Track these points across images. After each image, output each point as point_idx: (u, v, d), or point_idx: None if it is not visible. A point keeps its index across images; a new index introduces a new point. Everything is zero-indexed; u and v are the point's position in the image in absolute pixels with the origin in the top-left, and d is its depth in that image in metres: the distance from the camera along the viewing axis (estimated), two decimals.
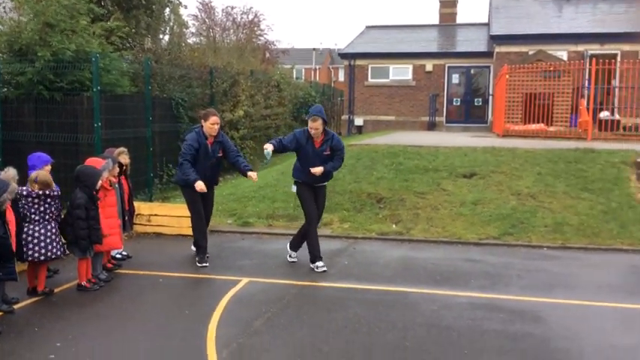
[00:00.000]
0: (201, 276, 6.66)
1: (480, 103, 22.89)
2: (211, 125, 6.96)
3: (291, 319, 5.28)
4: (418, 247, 8.02)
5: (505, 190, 9.65)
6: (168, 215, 8.55)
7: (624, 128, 14.31)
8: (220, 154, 7.17)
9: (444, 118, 23.00)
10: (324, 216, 9.16)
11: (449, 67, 23.05)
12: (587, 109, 14.27)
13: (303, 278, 6.53)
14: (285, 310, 5.49)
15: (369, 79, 23.69)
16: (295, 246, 7.21)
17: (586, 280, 6.41)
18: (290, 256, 7.24)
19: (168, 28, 15.62)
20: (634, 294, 5.94)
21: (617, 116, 15.29)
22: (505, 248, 7.85)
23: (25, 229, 5.68)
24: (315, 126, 6.62)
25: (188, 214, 7.60)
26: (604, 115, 14.69)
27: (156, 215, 8.60)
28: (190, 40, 23.60)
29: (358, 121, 23.74)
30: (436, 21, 28.66)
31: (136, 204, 7.86)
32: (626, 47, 18.70)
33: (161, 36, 15.44)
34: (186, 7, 21.74)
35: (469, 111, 23.08)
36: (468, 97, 23.09)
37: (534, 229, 8.32)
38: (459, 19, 28.62)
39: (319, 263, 6.81)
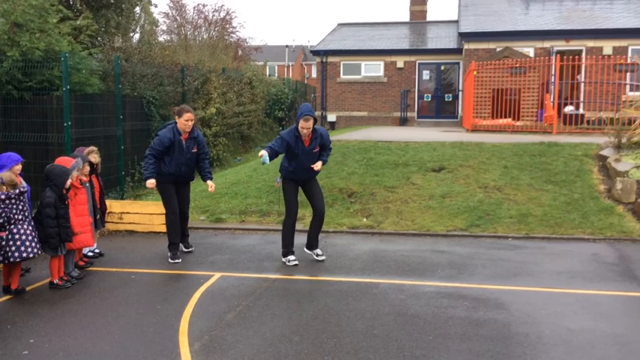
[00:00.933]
0: (173, 272, 6.73)
1: (451, 99, 23.26)
2: (185, 121, 7.04)
3: (262, 311, 5.39)
4: (388, 240, 8.20)
5: (472, 183, 9.90)
6: (140, 213, 8.59)
7: (588, 122, 14.73)
8: (195, 150, 7.25)
9: (415, 114, 23.31)
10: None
11: (420, 63, 23.36)
12: (552, 103, 14.65)
13: (275, 272, 6.65)
14: (256, 303, 5.60)
15: (342, 76, 23.88)
16: (309, 244, 7.24)
17: (548, 268, 6.65)
18: (316, 255, 7.17)
19: (138, 26, 15.51)
20: (592, 280, 6.20)
21: (581, 110, 15.72)
22: (472, 239, 8.08)
23: (8, 230, 5.69)
24: (307, 125, 6.60)
25: (160, 211, 7.70)
26: (568, 109, 15.10)
27: (127, 213, 8.63)
28: (161, 38, 23.49)
29: (331, 117, 23.92)
30: (407, 18, 29.06)
31: (107, 202, 7.88)
32: (591, 43, 19.20)
33: (132, 34, 15.34)
34: (156, 5, 21.62)
35: (440, 106, 23.44)
36: (439, 93, 23.43)
37: (500, 220, 8.57)
38: (430, 17, 29.09)
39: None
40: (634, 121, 12.10)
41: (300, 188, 7.12)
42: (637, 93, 16.15)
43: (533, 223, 8.40)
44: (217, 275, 6.50)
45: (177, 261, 7.06)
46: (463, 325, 5.00)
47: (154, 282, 6.42)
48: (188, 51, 19.55)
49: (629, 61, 17.73)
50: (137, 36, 18.39)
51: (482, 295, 5.76)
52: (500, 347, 4.55)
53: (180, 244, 7.49)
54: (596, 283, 6.09)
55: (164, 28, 24.89)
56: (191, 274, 6.61)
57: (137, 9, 16.14)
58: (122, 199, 10.37)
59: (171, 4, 24.97)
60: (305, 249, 7.23)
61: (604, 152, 10.43)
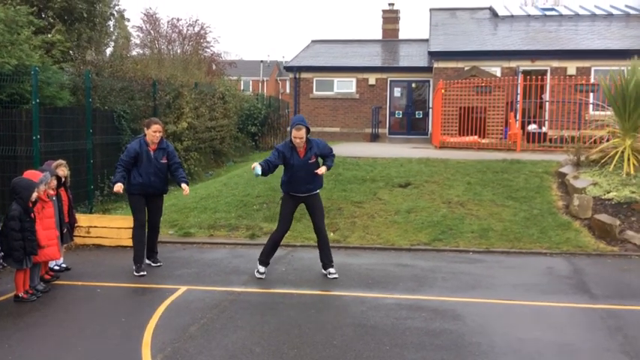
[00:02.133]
0: (139, 285, 6.80)
1: (421, 116, 23.71)
2: (153, 133, 7.25)
3: (225, 324, 5.51)
4: (354, 254, 8.38)
5: (437, 198, 10.16)
6: (108, 227, 8.63)
7: (550, 140, 15.20)
8: (164, 161, 7.39)
9: (386, 130, 23.68)
10: (263, 225, 9.50)
11: (391, 80, 23.79)
12: (517, 122, 15.09)
13: (241, 285, 6.77)
14: (220, 316, 5.71)
15: (314, 92, 24.18)
16: (322, 263, 7.16)
17: (505, 281, 6.90)
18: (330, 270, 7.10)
19: (111, 40, 15.58)
20: (546, 293, 6.45)
21: (544, 129, 16.21)
22: (434, 253, 8.31)
23: None
24: (299, 135, 6.68)
25: (127, 225, 7.78)
26: (532, 127, 15.57)
27: (95, 227, 8.66)
28: (135, 52, 23.49)
29: None
30: (379, 36, 29.54)
31: (75, 216, 7.91)
32: (555, 64, 19.83)
33: (104, 48, 15.40)
34: (128, 20, 21.51)
35: (411, 123, 23.86)
36: (410, 110, 23.87)
37: (462, 234, 8.82)
38: (402, 35, 29.61)
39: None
40: (594, 140, 12.55)
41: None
42: (600, 112, 16.73)
43: (493, 237, 8.68)
44: (183, 289, 6.59)
45: (142, 274, 7.14)
46: (420, 336, 5.18)
47: (119, 295, 6.48)
48: (161, 65, 19.62)
49: (592, 81, 18.33)
50: (110, 50, 18.43)
51: (441, 307, 5.96)
52: (453, 356, 4.75)
53: (149, 260, 7.57)
54: (550, 296, 6.35)
55: (137, 42, 24.94)
56: (157, 287, 6.69)
57: (110, 23, 16.22)
58: (91, 213, 10.38)
59: (146, 18, 25.09)
60: (322, 270, 7.14)
61: (563, 169, 10.80)
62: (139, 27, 25.09)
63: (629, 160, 9.96)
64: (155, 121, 7.40)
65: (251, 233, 9.26)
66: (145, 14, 25.35)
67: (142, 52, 24.78)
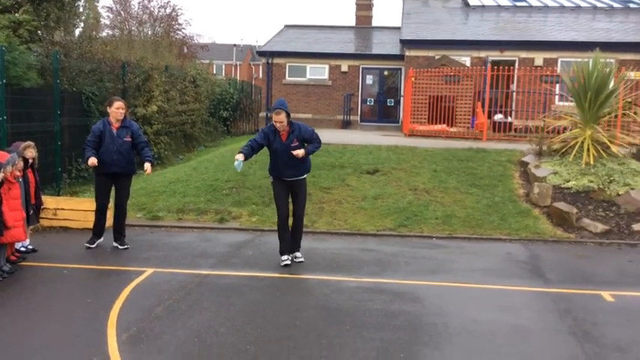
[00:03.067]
0: (105, 267, 6.86)
1: (392, 104, 23.92)
2: (116, 110, 7.41)
3: (191, 305, 5.62)
4: (321, 239, 8.54)
5: (403, 185, 10.38)
6: (75, 209, 8.62)
7: (516, 130, 15.55)
8: (128, 139, 7.49)
9: (358, 117, 23.85)
10: (232, 210, 9.60)
11: (363, 68, 23.92)
12: (484, 111, 15.39)
13: (208, 268, 6.87)
14: (186, 298, 5.82)
15: (287, 78, 24.16)
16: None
17: (464, 266, 7.15)
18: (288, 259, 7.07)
19: (80, 21, 15.34)
20: (502, 277, 6.72)
21: (509, 119, 16.55)
22: (399, 238, 8.52)
23: None
24: (279, 119, 6.70)
25: (94, 207, 7.79)
26: (498, 117, 15.89)
27: (62, 209, 8.64)
28: (105, 33, 23.13)
29: None
30: (352, 23, 29.60)
31: (42, 198, 7.89)
32: (523, 54, 20.20)
33: (74, 29, 15.17)
34: (98, 1, 21.13)
35: (382, 111, 24.07)
36: (381, 98, 24.07)
37: (426, 221, 9.06)
38: (375, 23, 29.71)
39: (297, 254, 7.15)
40: (558, 130, 12.90)
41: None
42: (565, 103, 17.14)
43: (456, 224, 8.93)
44: (150, 271, 6.67)
45: (91, 246, 7.52)
46: (379, 317, 5.38)
47: (85, 277, 6.53)
48: (131, 47, 19.40)
49: (558, 72, 18.73)
50: (79, 31, 18.11)
51: (401, 290, 6.17)
52: (409, 336, 4.95)
53: (116, 242, 7.63)
54: (506, 280, 6.61)
55: (107, 22, 24.54)
56: (123, 269, 6.75)
57: (79, 3, 15.97)
58: (58, 195, 10.32)
59: None
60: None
61: (526, 159, 11.12)
62: (109, 7, 24.73)
63: (588, 150, 10.30)
64: (117, 98, 7.61)
65: (220, 217, 9.35)
66: None
67: (111, 33, 24.41)
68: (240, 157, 6.67)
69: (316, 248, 7.93)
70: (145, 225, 9.03)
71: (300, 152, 6.80)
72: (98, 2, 23.38)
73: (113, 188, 7.70)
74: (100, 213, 7.64)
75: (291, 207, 7.21)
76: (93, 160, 7.21)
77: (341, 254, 7.62)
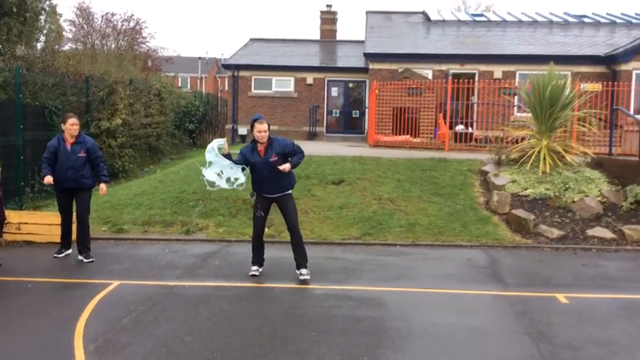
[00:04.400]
0: (71, 281, 6.83)
1: (358, 115, 24.26)
2: (70, 126, 7.56)
3: (157, 315, 5.66)
4: (287, 248, 8.52)
5: (368, 195, 10.58)
6: (39, 223, 8.54)
7: (477, 140, 15.99)
8: (83, 154, 7.59)
9: (324, 129, 24.08)
10: (199, 221, 9.63)
11: (328, 80, 24.21)
12: (446, 122, 15.79)
13: (174, 279, 6.91)
14: (152, 309, 5.85)
15: (253, 90, 24.28)
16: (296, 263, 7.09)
17: (427, 272, 7.36)
18: (301, 275, 6.93)
19: (42, 35, 15.16)
20: (463, 282, 6.94)
21: (470, 129, 17.01)
22: (364, 247, 8.70)
23: None
24: (262, 128, 6.71)
25: (58, 222, 7.80)
26: (459, 128, 16.32)
27: (26, 223, 8.56)
28: (67, 47, 22.90)
29: (242, 130, 24.19)
30: (317, 37, 29.95)
31: (5, 212, 7.82)
32: (483, 67, 20.77)
33: (35, 43, 15.00)
34: (61, 15, 20.79)
35: (347, 122, 24.38)
36: (347, 109, 24.38)
37: (391, 229, 9.26)
38: (339, 36, 30.12)
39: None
40: (516, 140, 13.32)
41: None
42: (523, 114, 17.68)
43: (419, 231, 9.16)
44: (116, 283, 6.67)
45: (58, 255, 7.71)
46: (345, 322, 5.52)
47: (51, 290, 6.50)
48: (94, 61, 19.26)
49: (516, 84, 19.31)
50: (41, 45, 17.87)
51: (366, 296, 6.33)
52: (374, 339, 5.10)
53: (81, 255, 7.63)
54: (466, 284, 6.83)
55: (70, 36, 24.26)
56: (89, 282, 6.74)
57: (42, 17, 15.79)
58: (21, 209, 10.19)
59: (79, 12, 24.45)
60: (296, 270, 7.04)
61: (486, 168, 11.46)
62: (71, 21, 24.46)
63: (544, 159, 10.69)
64: (70, 115, 7.73)
65: (186, 229, 9.38)
66: (78, 8, 24.72)
67: (74, 46, 24.17)
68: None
69: (283, 257, 8.01)
70: (109, 238, 8.99)
71: (286, 167, 6.73)
72: (60, 16, 23.10)
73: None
74: (65, 226, 7.84)
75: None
76: (49, 179, 7.40)
77: (307, 263, 7.72)
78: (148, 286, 6.63)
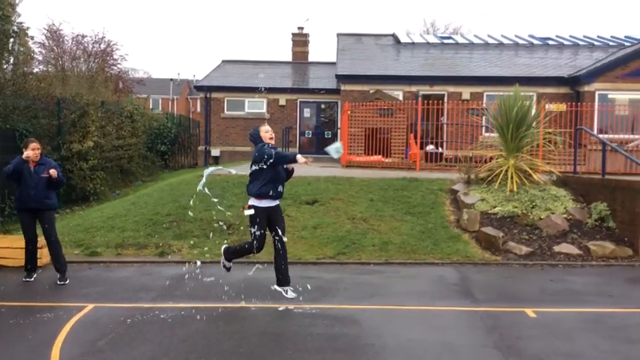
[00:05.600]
0: (45, 304, 6.77)
1: (330, 136, 24.53)
2: (32, 151, 7.76)
3: (134, 337, 5.67)
4: (262, 269, 8.66)
5: (342, 215, 10.72)
6: (10, 247, 8.46)
7: (447, 160, 16.33)
8: (45, 175, 7.77)
9: (297, 149, 24.25)
10: (173, 243, 9.65)
11: (301, 101, 24.50)
12: (416, 142, 16.10)
13: (149, 301, 6.91)
14: (128, 330, 5.86)
15: (226, 112, 24.40)
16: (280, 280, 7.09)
17: (400, 289, 7.50)
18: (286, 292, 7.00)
19: (11, 56, 15.06)
20: (435, 298, 7.10)
21: (440, 149, 17.37)
22: (338, 266, 8.81)
23: None
24: (268, 128, 6.96)
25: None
26: (429, 148, 16.65)
27: None
28: (37, 69, 22.73)
29: (215, 151, 24.24)
30: (289, 58, 30.30)
31: None
32: (451, 89, 21.29)
33: (5, 66, 14.87)
34: (32, 38, 20.60)
35: (320, 143, 24.58)
36: (319, 130, 24.65)
37: (364, 248, 9.41)
38: (311, 58, 30.54)
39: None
40: (485, 159, 13.66)
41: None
42: (492, 134, 18.12)
43: (392, 250, 9.33)
44: (90, 306, 6.65)
45: (29, 279, 7.73)
46: (320, 340, 5.61)
47: (24, 314, 6.43)
48: (66, 83, 19.15)
49: (484, 105, 19.81)
50: (10, 67, 17.68)
51: (341, 314, 6.43)
52: (349, 356, 5.20)
53: (60, 274, 7.79)
54: (438, 301, 6.99)
55: (40, 58, 24.07)
56: (63, 305, 6.70)
57: (12, 40, 15.65)
58: None
59: (49, 34, 24.29)
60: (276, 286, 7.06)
61: (456, 187, 11.73)
62: (41, 43, 24.29)
63: (512, 178, 11.00)
64: (32, 140, 7.94)
65: (160, 251, 9.37)
66: (47, 30, 24.57)
67: (45, 68, 23.99)
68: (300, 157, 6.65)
69: (258, 278, 8.08)
70: (83, 261, 8.93)
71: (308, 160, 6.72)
72: (32, 39, 22.92)
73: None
74: (28, 248, 7.86)
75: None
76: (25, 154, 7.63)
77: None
78: (123, 308, 6.62)
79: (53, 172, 7.72)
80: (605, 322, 6.25)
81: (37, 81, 15.01)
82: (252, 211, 6.87)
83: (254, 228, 6.96)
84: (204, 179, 7.39)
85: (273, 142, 7.03)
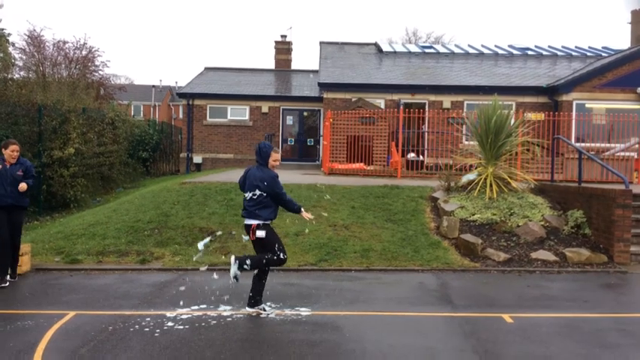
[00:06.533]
0: (25, 312, 6.75)
1: (312, 143, 24.65)
2: (11, 152, 8.14)
3: (116, 344, 5.68)
4: (244, 275, 8.69)
5: (323, 222, 10.80)
6: None
7: (427, 167, 16.52)
8: (20, 173, 8.12)
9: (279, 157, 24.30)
10: (154, 251, 9.65)
11: (283, 109, 24.57)
12: (398, 150, 16.27)
13: (131, 309, 6.91)
14: (110, 338, 5.87)
15: (208, 119, 24.38)
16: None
17: (381, 296, 7.59)
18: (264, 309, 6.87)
19: None
20: (415, 304, 7.21)
21: (421, 157, 17.57)
22: (320, 272, 8.89)
23: None
24: (278, 157, 6.98)
25: None
26: (411, 156, 16.84)
27: None
28: (18, 75, 22.55)
29: (197, 158, 24.20)
30: (272, 66, 30.40)
31: None
32: (432, 98, 21.54)
33: None
34: (14, 44, 20.38)
35: (302, 150, 24.72)
36: (302, 138, 24.75)
37: (346, 255, 9.50)
38: (294, 66, 30.68)
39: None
40: (464, 167, 13.87)
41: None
42: (471, 142, 18.38)
43: (373, 257, 9.43)
44: (72, 314, 6.64)
45: (4, 285, 7.80)
46: (301, 346, 5.67)
47: (4, 322, 6.40)
48: (47, 89, 19.03)
49: (464, 114, 20.08)
50: None
51: (322, 320, 6.50)
52: None
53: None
54: (418, 307, 7.10)
55: (20, 64, 23.84)
56: (44, 313, 6.68)
57: None
58: None
59: (30, 40, 24.10)
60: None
61: (436, 194, 11.89)
62: (21, 49, 24.06)
63: (491, 186, 11.19)
64: (12, 142, 8.35)
65: (142, 258, 9.37)
66: (29, 36, 24.38)
67: (26, 75, 23.79)
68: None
69: (240, 284, 8.06)
70: (63, 269, 8.91)
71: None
72: (13, 45, 22.75)
73: None
74: (5, 246, 7.97)
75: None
76: None
77: (264, 289, 7.84)
78: (105, 315, 6.63)
79: (23, 186, 8.08)
80: (580, 327, 6.40)
81: (17, 87, 14.92)
82: (264, 232, 6.81)
83: (273, 244, 6.84)
84: (200, 253, 7.98)
85: (278, 164, 7.08)
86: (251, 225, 6.83)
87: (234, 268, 6.76)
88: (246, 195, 6.91)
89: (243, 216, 7.02)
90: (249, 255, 7.00)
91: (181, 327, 6.24)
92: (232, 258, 6.83)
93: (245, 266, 6.78)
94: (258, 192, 6.79)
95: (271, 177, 6.82)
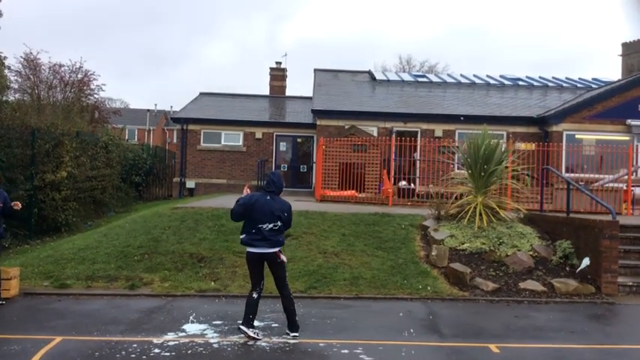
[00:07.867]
0: (12, 337, 6.72)
1: (305, 170, 24.76)
2: None
3: None
4: (233, 302, 8.74)
5: (314, 249, 10.84)
6: None
7: (418, 195, 16.62)
8: (1, 205, 8.25)
9: None
10: (144, 276, 9.65)
11: (277, 135, 24.73)
12: (389, 178, 16.38)
13: (118, 335, 6.90)
14: None
15: (202, 144, 24.48)
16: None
17: (369, 324, 7.60)
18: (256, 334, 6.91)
19: None
20: (401, 332, 7.22)
21: (412, 185, 17.68)
22: (309, 300, 8.89)
23: None
24: None
25: None
26: (402, 184, 16.94)
27: None
28: (12, 97, 22.64)
29: (190, 183, 24.23)
30: (267, 92, 30.68)
31: None
32: (425, 126, 21.76)
33: None
34: (9, 67, 20.45)
35: (296, 176, 24.80)
36: (295, 164, 24.86)
37: (335, 282, 9.51)
38: (288, 92, 30.95)
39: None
40: (455, 196, 13.96)
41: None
42: (462, 171, 18.53)
43: (363, 284, 9.45)
44: (58, 339, 6.61)
45: None
46: None
47: None
48: (41, 112, 19.11)
49: (456, 143, 20.27)
50: None
51: (309, 348, 6.51)
52: None
53: None
54: (407, 336, 7.11)
55: (16, 86, 23.94)
56: (31, 338, 6.65)
57: None
58: None
59: (26, 63, 24.26)
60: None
61: (426, 223, 11.95)
62: (17, 71, 24.20)
63: (480, 215, 11.27)
64: None
65: (131, 284, 9.35)
66: (25, 59, 24.53)
67: (21, 97, 23.89)
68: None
69: (228, 311, 8.13)
70: (52, 293, 8.88)
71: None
72: (10, 69, 22.89)
73: None
74: None
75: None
76: None
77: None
78: (92, 341, 6.60)
79: (17, 204, 8.30)
80: (566, 357, 6.44)
81: (12, 110, 15.00)
82: (284, 256, 7.24)
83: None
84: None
85: None
86: (275, 252, 7.04)
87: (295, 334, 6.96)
88: (265, 226, 6.94)
89: (261, 246, 6.99)
90: (291, 317, 7.07)
91: (167, 354, 6.23)
92: (293, 335, 6.95)
93: (297, 322, 7.07)
94: (279, 223, 7.00)
95: (290, 207, 7.18)
